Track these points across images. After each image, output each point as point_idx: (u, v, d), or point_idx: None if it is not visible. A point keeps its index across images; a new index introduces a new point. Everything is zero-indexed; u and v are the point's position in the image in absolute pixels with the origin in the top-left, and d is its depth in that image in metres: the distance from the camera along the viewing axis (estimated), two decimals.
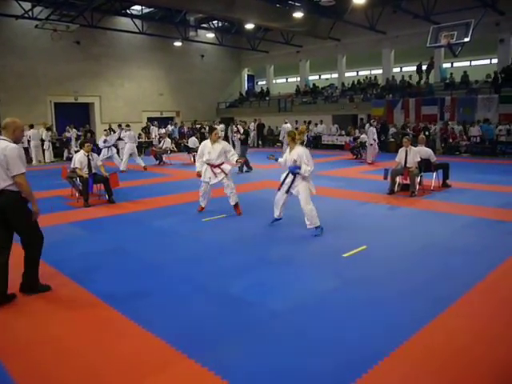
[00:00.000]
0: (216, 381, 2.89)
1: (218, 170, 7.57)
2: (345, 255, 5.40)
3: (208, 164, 7.59)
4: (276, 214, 6.74)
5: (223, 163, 7.64)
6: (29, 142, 18.36)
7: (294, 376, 2.94)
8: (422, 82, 22.20)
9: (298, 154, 6.28)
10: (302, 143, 6.79)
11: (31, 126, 18.53)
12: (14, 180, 3.97)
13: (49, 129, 18.97)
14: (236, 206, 7.72)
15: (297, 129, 7.74)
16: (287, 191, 6.47)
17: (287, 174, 6.47)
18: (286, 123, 19.24)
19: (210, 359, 3.12)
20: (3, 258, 4.06)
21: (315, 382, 2.88)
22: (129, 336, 3.51)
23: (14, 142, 4.09)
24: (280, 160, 6.64)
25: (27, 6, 19.37)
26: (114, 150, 14.30)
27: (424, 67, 22.45)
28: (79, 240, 6.36)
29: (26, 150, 18.60)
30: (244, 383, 2.86)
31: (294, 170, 6.28)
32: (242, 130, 14.71)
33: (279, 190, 6.59)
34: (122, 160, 14.18)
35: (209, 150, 7.57)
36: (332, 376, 2.93)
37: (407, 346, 3.28)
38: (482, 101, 18.49)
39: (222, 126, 24.44)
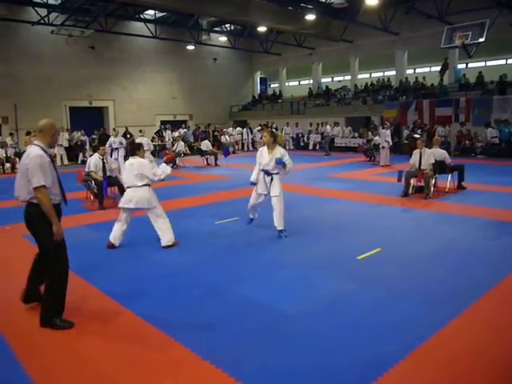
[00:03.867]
0: (231, 382, 2.90)
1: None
2: (359, 258, 5.37)
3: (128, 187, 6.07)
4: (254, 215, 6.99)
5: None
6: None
7: (309, 378, 2.93)
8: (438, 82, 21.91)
9: (281, 153, 6.41)
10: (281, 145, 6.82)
11: None
12: (34, 193, 3.55)
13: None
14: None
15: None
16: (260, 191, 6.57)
17: (265, 174, 6.52)
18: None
19: (224, 361, 3.13)
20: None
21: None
22: (143, 339, 3.53)
23: (49, 147, 3.76)
24: (254, 174, 6.64)
25: (43, 12, 19.71)
26: (122, 153, 13.91)
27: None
28: (95, 242, 6.42)
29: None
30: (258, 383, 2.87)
31: (281, 163, 6.35)
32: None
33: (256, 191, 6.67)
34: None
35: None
36: (346, 379, 2.92)
37: (424, 348, 3.25)
38: (498, 101, 18.25)
39: (238, 129, 24.59)
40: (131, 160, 6.04)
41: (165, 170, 5.95)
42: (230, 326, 3.70)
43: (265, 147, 6.60)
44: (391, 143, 15.50)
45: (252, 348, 3.35)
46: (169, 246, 5.96)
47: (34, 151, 3.58)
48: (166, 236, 5.98)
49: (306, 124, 24.34)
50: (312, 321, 3.76)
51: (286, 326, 3.69)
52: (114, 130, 15.86)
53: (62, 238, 3.67)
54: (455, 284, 4.51)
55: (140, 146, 6.28)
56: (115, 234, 6.02)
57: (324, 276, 4.83)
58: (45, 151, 3.64)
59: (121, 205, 6.00)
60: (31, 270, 3.99)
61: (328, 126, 21.72)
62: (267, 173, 6.47)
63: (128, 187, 6.01)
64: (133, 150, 6.17)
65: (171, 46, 25.49)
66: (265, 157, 6.47)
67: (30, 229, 3.70)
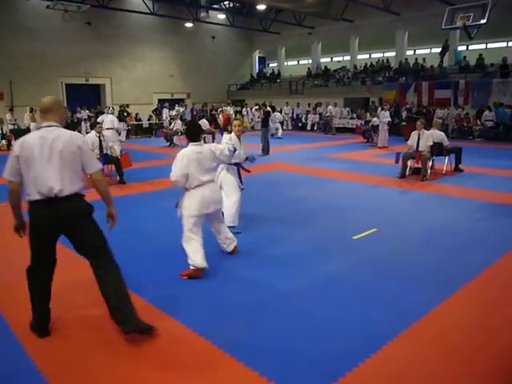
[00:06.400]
0: (225, 358, 2.94)
1: None
2: (355, 237, 5.40)
3: None
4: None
5: None
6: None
7: (303, 356, 2.97)
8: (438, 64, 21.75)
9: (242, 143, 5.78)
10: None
11: None
12: (92, 178, 3.26)
13: None
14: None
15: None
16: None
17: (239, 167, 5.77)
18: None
19: (220, 337, 3.17)
20: (47, 278, 3.30)
21: (323, 362, 2.91)
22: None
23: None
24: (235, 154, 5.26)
25: None
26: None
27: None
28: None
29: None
30: (253, 361, 2.90)
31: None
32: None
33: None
34: None
35: None
36: (342, 356, 2.96)
37: (416, 327, 3.29)
38: (497, 85, 18.13)
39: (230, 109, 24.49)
40: (195, 147, 4.34)
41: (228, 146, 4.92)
42: (225, 303, 3.73)
43: (233, 135, 5.65)
44: (391, 120, 15.49)
45: (247, 325, 3.38)
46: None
47: (72, 132, 3.26)
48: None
49: (305, 104, 24.22)
50: (307, 299, 3.80)
51: (282, 304, 3.73)
52: (108, 107, 15.65)
53: None
54: (450, 265, 4.55)
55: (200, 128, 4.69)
56: (200, 255, 4.26)
57: (319, 255, 4.86)
58: None
59: (195, 213, 4.31)
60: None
61: (330, 106, 21.47)
62: (239, 165, 5.78)
63: (197, 186, 4.31)
64: (195, 134, 4.42)
65: (169, 24, 25.10)
66: (237, 148, 5.44)
67: (75, 225, 3.25)
